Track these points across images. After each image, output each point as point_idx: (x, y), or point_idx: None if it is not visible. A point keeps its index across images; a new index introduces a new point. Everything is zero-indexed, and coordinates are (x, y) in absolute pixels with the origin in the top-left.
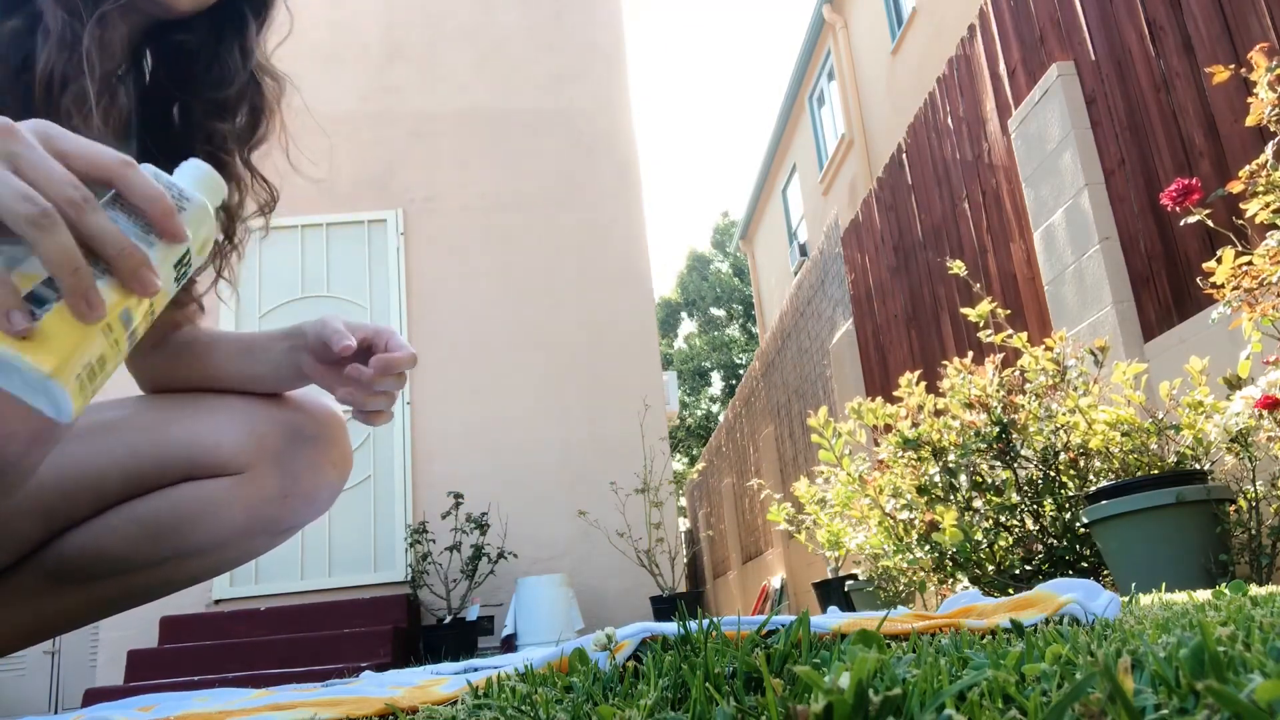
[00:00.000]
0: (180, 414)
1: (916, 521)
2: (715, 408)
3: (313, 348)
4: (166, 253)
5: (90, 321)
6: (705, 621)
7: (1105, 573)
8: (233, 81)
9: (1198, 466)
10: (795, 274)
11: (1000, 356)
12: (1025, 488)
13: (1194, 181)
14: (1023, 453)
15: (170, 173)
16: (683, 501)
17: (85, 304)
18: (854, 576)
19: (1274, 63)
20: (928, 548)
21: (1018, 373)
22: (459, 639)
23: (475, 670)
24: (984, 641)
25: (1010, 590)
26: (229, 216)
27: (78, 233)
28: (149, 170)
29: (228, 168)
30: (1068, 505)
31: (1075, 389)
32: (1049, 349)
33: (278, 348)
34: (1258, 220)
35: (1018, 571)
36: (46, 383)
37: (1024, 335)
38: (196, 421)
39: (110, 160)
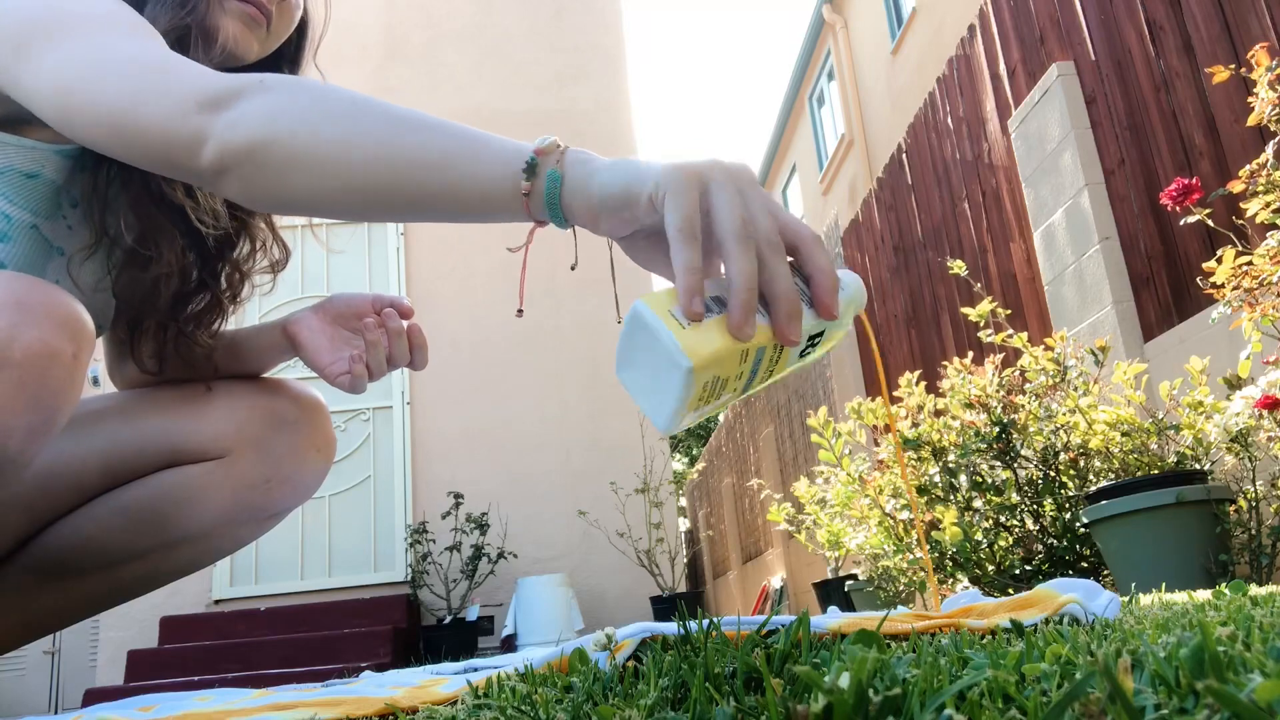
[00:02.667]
0: (160, 401)
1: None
2: None
3: (334, 315)
4: (810, 324)
5: (742, 338)
6: (705, 621)
7: (1105, 573)
8: None
9: (1198, 466)
10: None
11: (1000, 357)
12: (1025, 488)
13: (1194, 181)
14: (1023, 453)
15: None
16: (683, 501)
17: (746, 320)
18: (854, 576)
19: (1274, 62)
20: (928, 548)
21: (1018, 373)
22: (459, 639)
23: (475, 670)
24: (984, 641)
25: (1010, 590)
26: (233, 268)
27: (762, 268)
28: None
29: (247, 224)
30: (1068, 505)
31: (1075, 389)
32: (1049, 349)
33: (267, 337)
34: (1258, 220)
35: (1018, 571)
36: (681, 376)
37: (1024, 335)
38: (175, 407)
39: (803, 231)
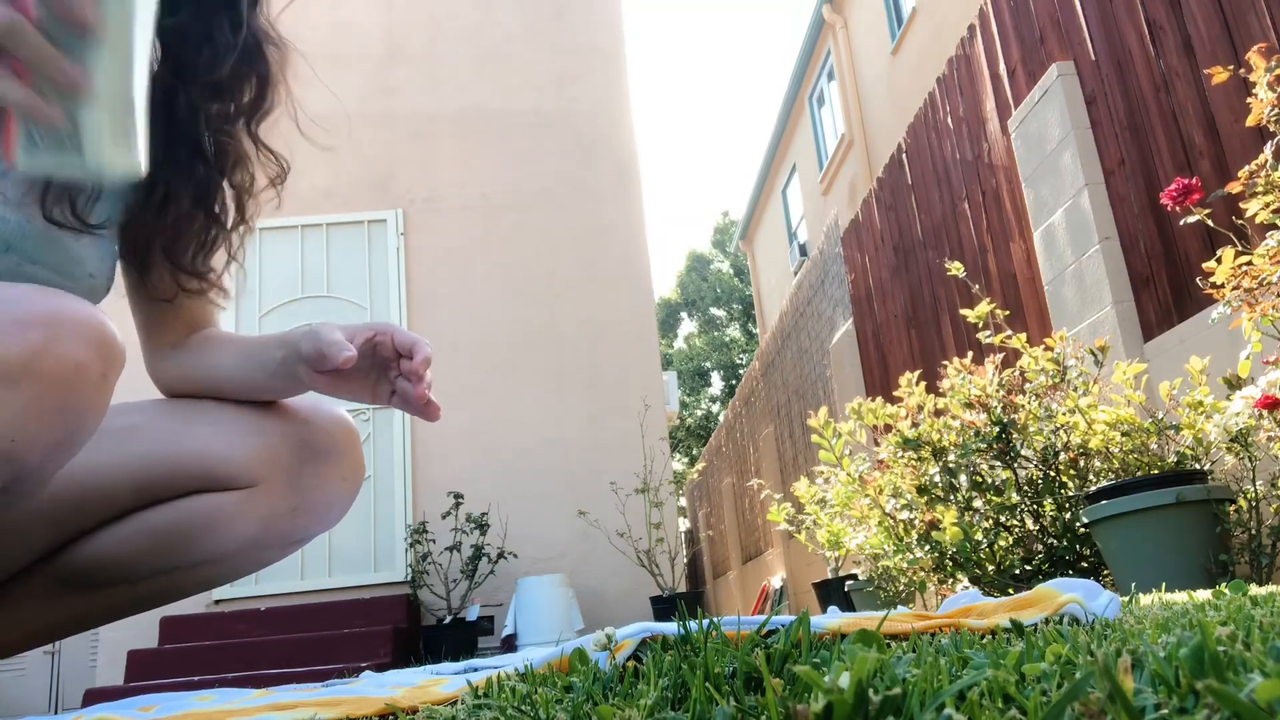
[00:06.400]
0: (193, 425)
1: (916, 521)
2: (715, 408)
3: (308, 359)
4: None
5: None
6: (705, 621)
7: (1105, 573)
8: (225, 61)
9: (1198, 466)
10: (795, 274)
11: (1000, 356)
12: (1025, 488)
13: (1194, 181)
14: (1023, 453)
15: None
16: (683, 501)
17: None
18: (854, 576)
19: (1273, 63)
20: (928, 548)
21: (1017, 373)
22: (459, 639)
23: (475, 670)
24: (984, 641)
25: (1010, 590)
26: (239, 193)
27: None
28: None
29: (230, 147)
30: (1068, 505)
31: (1075, 389)
32: (1049, 349)
33: (272, 356)
34: (1258, 220)
35: (1018, 571)
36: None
37: (1023, 335)
38: (209, 434)
39: None
